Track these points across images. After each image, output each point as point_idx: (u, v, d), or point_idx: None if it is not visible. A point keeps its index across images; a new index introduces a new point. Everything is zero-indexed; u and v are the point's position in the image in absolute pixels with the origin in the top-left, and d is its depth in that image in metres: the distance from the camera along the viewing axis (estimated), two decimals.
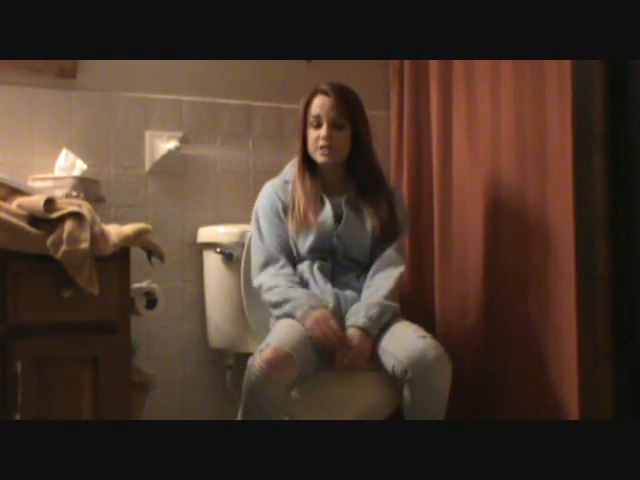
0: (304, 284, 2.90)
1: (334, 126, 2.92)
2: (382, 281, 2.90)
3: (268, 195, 3.01)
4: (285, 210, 2.96)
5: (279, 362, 2.63)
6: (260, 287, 2.91)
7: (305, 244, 2.92)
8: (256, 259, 2.95)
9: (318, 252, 2.93)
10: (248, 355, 2.73)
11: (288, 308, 2.81)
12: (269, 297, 2.88)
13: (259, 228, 2.97)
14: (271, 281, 2.88)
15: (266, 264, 2.91)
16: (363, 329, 2.78)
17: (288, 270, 2.90)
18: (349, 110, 2.93)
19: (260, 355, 2.65)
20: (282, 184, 3.01)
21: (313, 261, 2.93)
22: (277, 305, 2.85)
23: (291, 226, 2.93)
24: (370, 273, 2.93)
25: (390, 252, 2.94)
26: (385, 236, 2.94)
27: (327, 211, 2.93)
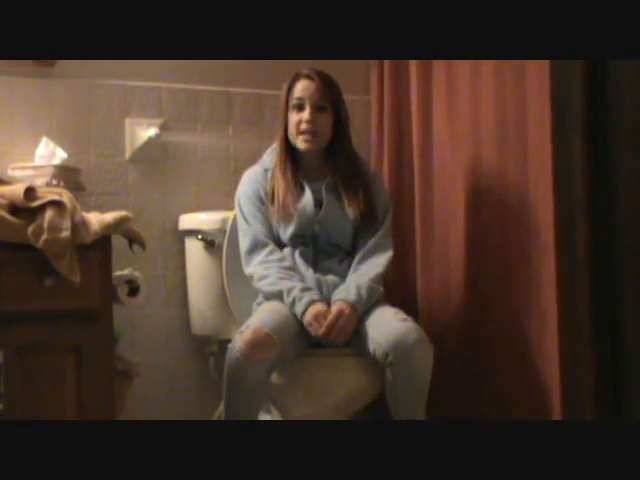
0: (293, 267, 2.90)
1: (317, 109, 2.92)
2: (371, 265, 2.90)
3: (250, 182, 3.01)
4: (267, 196, 2.96)
5: (259, 343, 2.64)
6: (252, 277, 2.91)
7: (287, 232, 2.93)
8: (243, 245, 2.94)
9: (300, 239, 2.93)
10: (230, 342, 2.74)
11: (287, 302, 2.80)
12: (262, 287, 2.88)
13: (243, 215, 2.96)
14: (261, 271, 2.87)
15: (253, 249, 2.91)
16: (352, 305, 2.78)
17: (277, 255, 2.90)
18: (332, 94, 2.93)
19: (240, 336, 2.66)
20: (262, 172, 3.01)
21: (295, 247, 2.93)
22: (273, 297, 2.85)
23: (272, 215, 2.94)
24: (356, 260, 2.93)
25: (376, 239, 2.95)
26: (366, 224, 2.95)
27: (307, 198, 2.93)
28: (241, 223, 2.97)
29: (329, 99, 2.93)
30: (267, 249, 2.90)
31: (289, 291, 2.79)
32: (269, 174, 2.99)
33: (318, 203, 2.94)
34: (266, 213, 2.95)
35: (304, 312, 2.76)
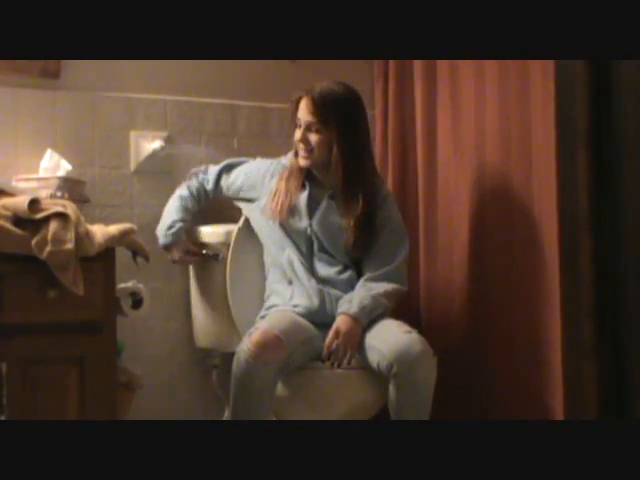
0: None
1: (311, 129, 2.93)
2: (379, 284, 2.90)
3: (265, 163, 3.10)
4: (261, 186, 3.05)
5: (267, 344, 2.65)
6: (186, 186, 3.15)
7: (275, 224, 2.99)
8: (215, 167, 3.15)
9: (293, 237, 2.97)
10: (234, 354, 2.74)
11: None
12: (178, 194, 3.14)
13: (236, 165, 3.12)
14: (186, 192, 3.13)
15: (211, 173, 3.14)
16: (354, 317, 2.78)
17: (196, 206, 3.13)
18: (327, 114, 2.91)
19: (249, 338, 2.68)
20: (279, 165, 3.07)
21: (292, 250, 2.96)
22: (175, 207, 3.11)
23: (266, 210, 3.00)
24: (365, 278, 2.93)
25: (391, 269, 2.94)
26: (362, 238, 2.95)
27: (304, 195, 2.97)
28: (229, 161, 3.15)
29: (322, 120, 2.91)
30: (207, 195, 3.15)
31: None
32: (283, 173, 3.03)
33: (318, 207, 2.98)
34: (241, 191, 3.09)
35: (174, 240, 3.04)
